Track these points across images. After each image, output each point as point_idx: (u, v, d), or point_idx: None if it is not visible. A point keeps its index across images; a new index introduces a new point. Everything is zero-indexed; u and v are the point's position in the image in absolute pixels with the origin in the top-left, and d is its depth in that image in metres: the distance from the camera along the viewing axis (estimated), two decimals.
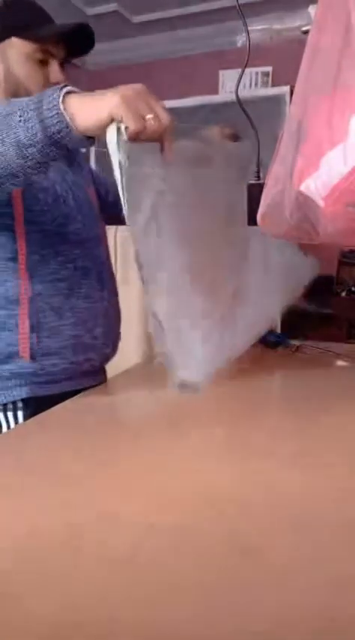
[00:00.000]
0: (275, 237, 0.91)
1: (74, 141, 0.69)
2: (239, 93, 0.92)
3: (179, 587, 0.40)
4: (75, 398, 0.91)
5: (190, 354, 0.91)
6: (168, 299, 0.88)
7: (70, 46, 0.91)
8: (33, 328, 0.89)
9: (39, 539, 0.46)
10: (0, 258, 0.87)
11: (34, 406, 0.88)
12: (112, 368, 1.10)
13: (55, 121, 0.66)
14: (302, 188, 0.67)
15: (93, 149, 2.73)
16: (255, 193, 0.83)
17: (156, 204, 0.82)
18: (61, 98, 0.67)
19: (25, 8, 0.91)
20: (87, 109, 0.67)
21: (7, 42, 0.88)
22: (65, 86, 0.68)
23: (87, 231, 0.98)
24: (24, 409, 0.90)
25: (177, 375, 0.89)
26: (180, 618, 0.36)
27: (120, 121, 0.67)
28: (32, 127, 0.67)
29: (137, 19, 3.23)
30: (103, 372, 1.08)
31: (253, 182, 0.89)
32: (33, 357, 0.89)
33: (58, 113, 0.66)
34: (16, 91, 0.89)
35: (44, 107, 0.67)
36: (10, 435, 0.82)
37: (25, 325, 0.88)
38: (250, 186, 0.88)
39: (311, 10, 0.73)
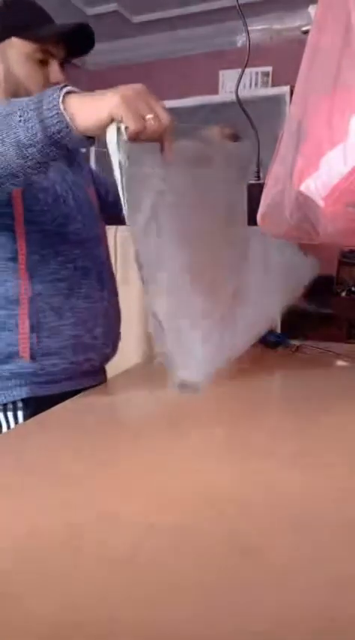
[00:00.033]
0: (275, 237, 0.91)
1: (74, 141, 0.69)
2: (239, 93, 0.92)
3: (179, 587, 0.40)
4: (75, 398, 0.91)
5: (190, 354, 0.91)
6: (168, 299, 0.88)
7: (70, 46, 0.91)
8: (33, 328, 0.89)
9: (39, 539, 0.46)
10: (0, 258, 0.87)
11: (34, 406, 0.88)
12: (112, 368, 1.10)
13: (55, 121, 0.67)
14: (302, 188, 0.67)
15: (93, 149, 2.73)
16: (255, 193, 0.83)
17: (156, 204, 0.82)
18: (61, 98, 0.67)
19: (25, 8, 0.91)
20: (87, 109, 0.67)
21: (7, 42, 0.88)
22: (65, 86, 0.68)
23: (87, 231, 0.98)
24: (24, 409, 0.90)
25: (177, 375, 0.89)
26: (180, 618, 0.36)
27: (120, 121, 0.67)
28: (32, 127, 0.67)
29: (137, 19, 3.23)
30: (103, 372, 1.08)
31: (253, 182, 0.89)
32: (33, 357, 0.89)
33: (58, 113, 0.66)
34: (16, 91, 0.89)
35: (44, 107, 0.67)
36: (10, 435, 0.82)
37: (25, 325, 0.88)
38: (250, 186, 0.88)
39: (311, 10, 0.73)
